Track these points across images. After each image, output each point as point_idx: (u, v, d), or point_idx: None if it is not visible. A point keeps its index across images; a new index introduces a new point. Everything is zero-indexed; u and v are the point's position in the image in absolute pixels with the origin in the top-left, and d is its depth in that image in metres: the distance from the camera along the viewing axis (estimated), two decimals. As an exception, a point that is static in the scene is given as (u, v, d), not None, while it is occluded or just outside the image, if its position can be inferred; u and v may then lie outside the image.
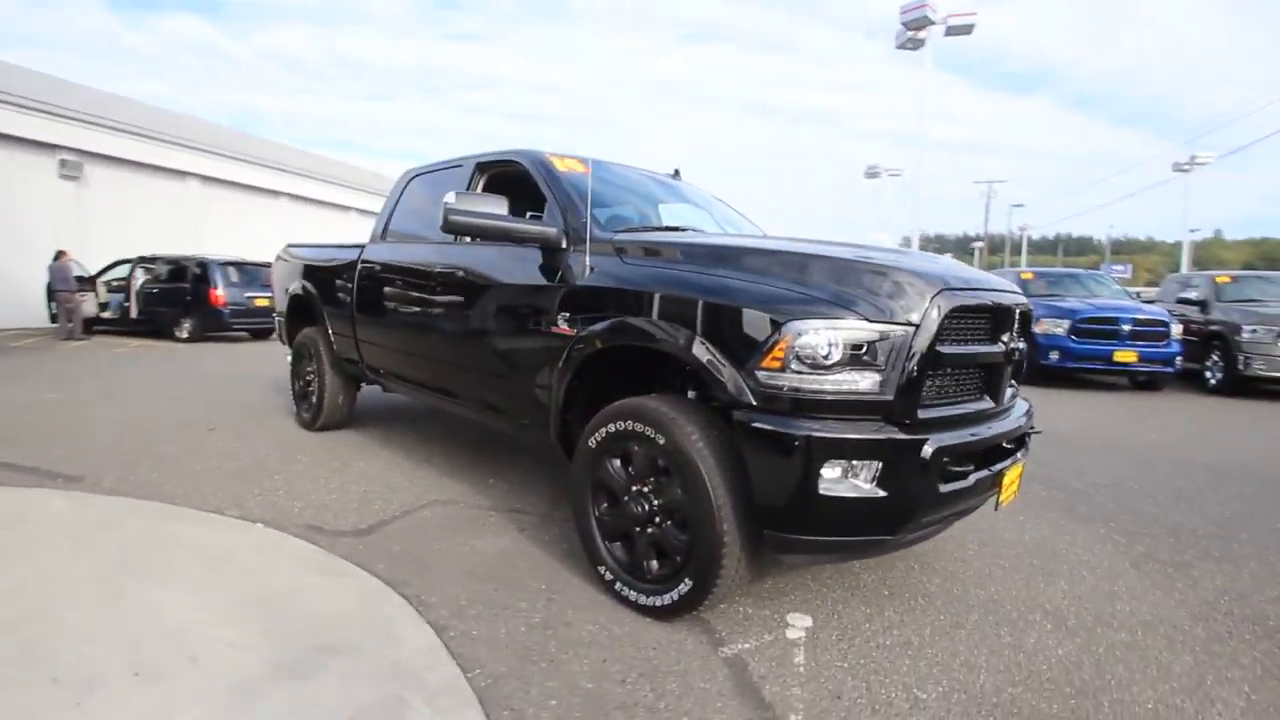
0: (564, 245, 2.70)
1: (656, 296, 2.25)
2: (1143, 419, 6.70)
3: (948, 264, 2.40)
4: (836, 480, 1.89)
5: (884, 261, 2.09)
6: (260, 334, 13.29)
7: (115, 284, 13.21)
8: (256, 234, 19.00)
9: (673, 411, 2.19)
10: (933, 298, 1.98)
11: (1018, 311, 2.38)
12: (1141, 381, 8.82)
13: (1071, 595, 2.65)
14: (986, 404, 2.28)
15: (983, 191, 52.83)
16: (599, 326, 2.39)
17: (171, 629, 2.10)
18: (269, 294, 12.96)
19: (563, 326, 2.57)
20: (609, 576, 2.41)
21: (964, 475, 2.05)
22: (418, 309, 3.52)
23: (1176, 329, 8.40)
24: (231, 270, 12.54)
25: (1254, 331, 8.21)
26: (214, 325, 12.17)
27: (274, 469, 3.94)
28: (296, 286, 5.06)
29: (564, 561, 2.77)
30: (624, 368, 2.60)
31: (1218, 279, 9.50)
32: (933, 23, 17.20)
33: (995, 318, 2.25)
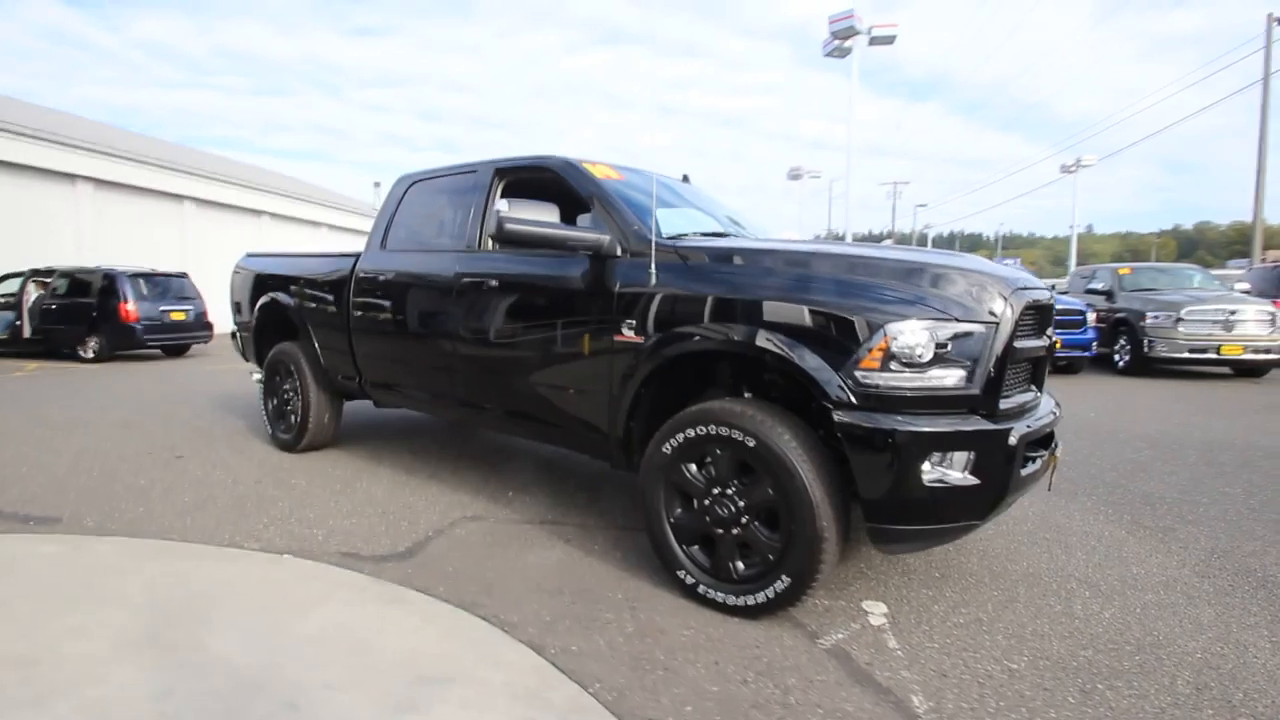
0: (618, 253, 2.70)
1: (743, 303, 2.29)
2: (1074, 399, 7.37)
3: (999, 265, 2.59)
4: (937, 471, 2.01)
5: (963, 265, 2.23)
6: (175, 351, 12.26)
7: (2, 300, 11.80)
8: (160, 242, 17.48)
9: (760, 414, 2.25)
10: (1008, 297, 2.14)
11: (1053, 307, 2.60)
12: (1061, 366, 9.69)
13: (1092, 563, 2.91)
14: (1033, 394, 2.48)
15: (889, 192, 56.09)
16: (681, 332, 2.41)
17: (250, 677, 1.94)
18: (185, 307, 12.06)
19: (628, 334, 2.57)
20: (690, 580, 2.44)
21: (1035, 459, 2.23)
22: (440, 320, 3.39)
23: (1091, 317, 9.30)
24: (142, 282, 11.49)
25: (1156, 318, 9.22)
26: (125, 343, 11.10)
27: (272, 496, 3.68)
28: (268, 299, 4.74)
29: (628, 570, 2.76)
30: (684, 375, 2.64)
31: (1120, 271, 10.58)
32: (859, 33, 18.21)
33: (1042, 314, 2.45)
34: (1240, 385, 8.98)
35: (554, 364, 2.93)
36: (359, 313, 3.90)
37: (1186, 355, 9.03)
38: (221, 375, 9.30)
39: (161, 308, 11.50)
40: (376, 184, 32.55)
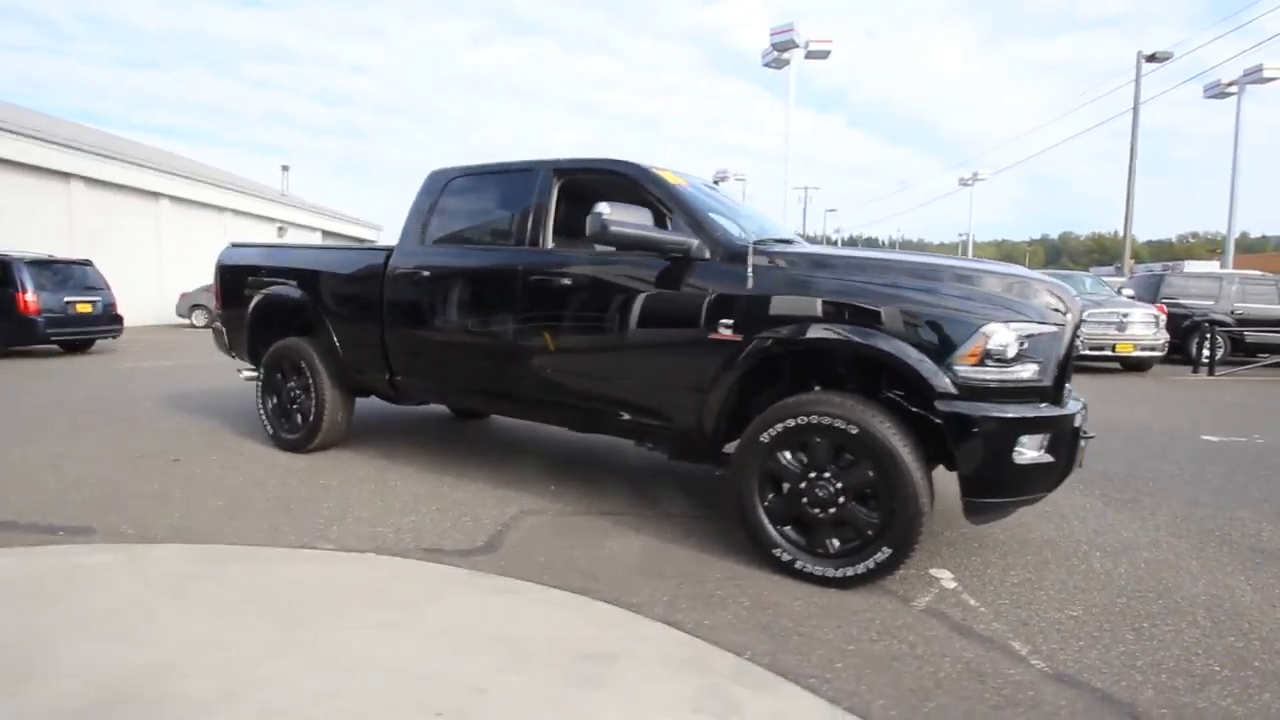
0: (706, 256, 2.88)
1: (848, 306, 2.54)
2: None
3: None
4: (1027, 451, 2.35)
5: (1033, 275, 2.59)
6: (77, 347, 11.09)
7: None
8: (43, 226, 15.64)
9: (860, 405, 2.51)
10: (1071, 303, 2.52)
11: None
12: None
13: (1090, 530, 3.40)
14: (1070, 385, 2.89)
15: (800, 197, 58.81)
16: (790, 331, 2.62)
17: (414, 670, 1.98)
18: (92, 298, 10.93)
19: (724, 333, 2.76)
20: (786, 558, 2.67)
21: (1088, 438, 2.63)
22: (501, 316, 3.41)
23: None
24: (42, 270, 10.31)
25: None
26: (24, 338, 9.93)
27: (309, 496, 3.57)
28: (270, 292, 4.52)
29: (712, 553, 2.95)
30: (775, 370, 2.86)
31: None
32: (797, 46, 19.17)
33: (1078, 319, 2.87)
34: (1131, 378, 10.35)
35: (634, 360, 3.07)
36: (396, 308, 3.84)
37: (1086, 353, 10.27)
38: (148, 373, 8.57)
39: (65, 299, 10.38)
40: (285, 167, 30.46)
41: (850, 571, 2.55)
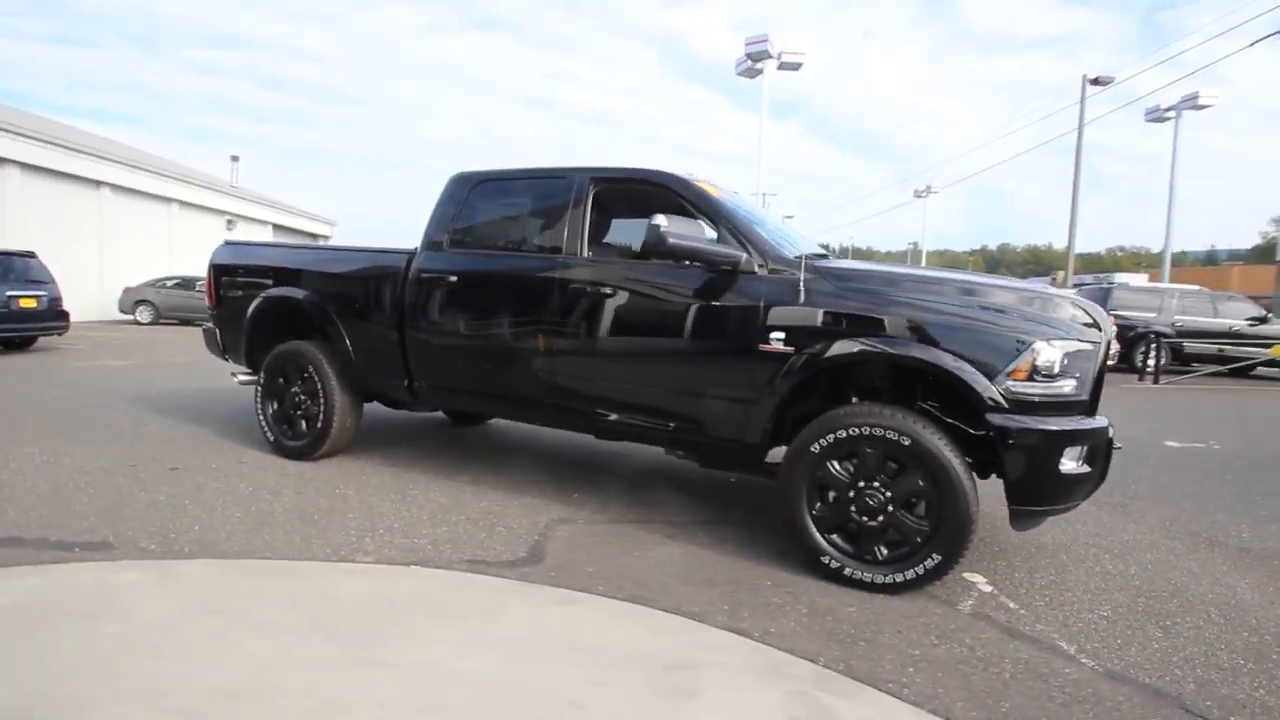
0: (755, 269, 2.94)
1: (908, 320, 2.64)
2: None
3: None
4: (1070, 462, 2.49)
5: (1071, 295, 2.74)
6: (19, 344, 10.38)
7: None
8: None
9: (910, 417, 2.61)
10: (1104, 323, 2.68)
11: None
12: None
13: (1094, 533, 3.61)
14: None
15: (759, 202, 59.86)
16: (846, 345, 2.69)
17: (507, 683, 1.96)
18: (37, 293, 10.24)
19: (775, 345, 2.82)
20: (835, 565, 2.74)
21: (1117, 449, 2.80)
22: (538, 324, 3.38)
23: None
24: (-21, 262, 9.61)
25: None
26: (-39, 334, 9.23)
27: (330, 507, 3.46)
28: (274, 294, 4.35)
29: (755, 560, 3.01)
30: (814, 383, 2.93)
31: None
32: (770, 57, 19.61)
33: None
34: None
35: (680, 370, 3.10)
36: (420, 312, 3.76)
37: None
38: (107, 374, 8.10)
39: (8, 293, 9.70)
40: (235, 158, 29.20)
41: (899, 577, 2.64)
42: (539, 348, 3.42)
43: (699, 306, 3.02)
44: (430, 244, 3.82)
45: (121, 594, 2.35)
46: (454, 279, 3.66)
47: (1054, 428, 2.48)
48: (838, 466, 2.74)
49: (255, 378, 4.63)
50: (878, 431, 2.62)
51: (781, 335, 2.81)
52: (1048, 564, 3.15)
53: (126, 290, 18.24)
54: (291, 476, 3.96)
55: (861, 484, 2.69)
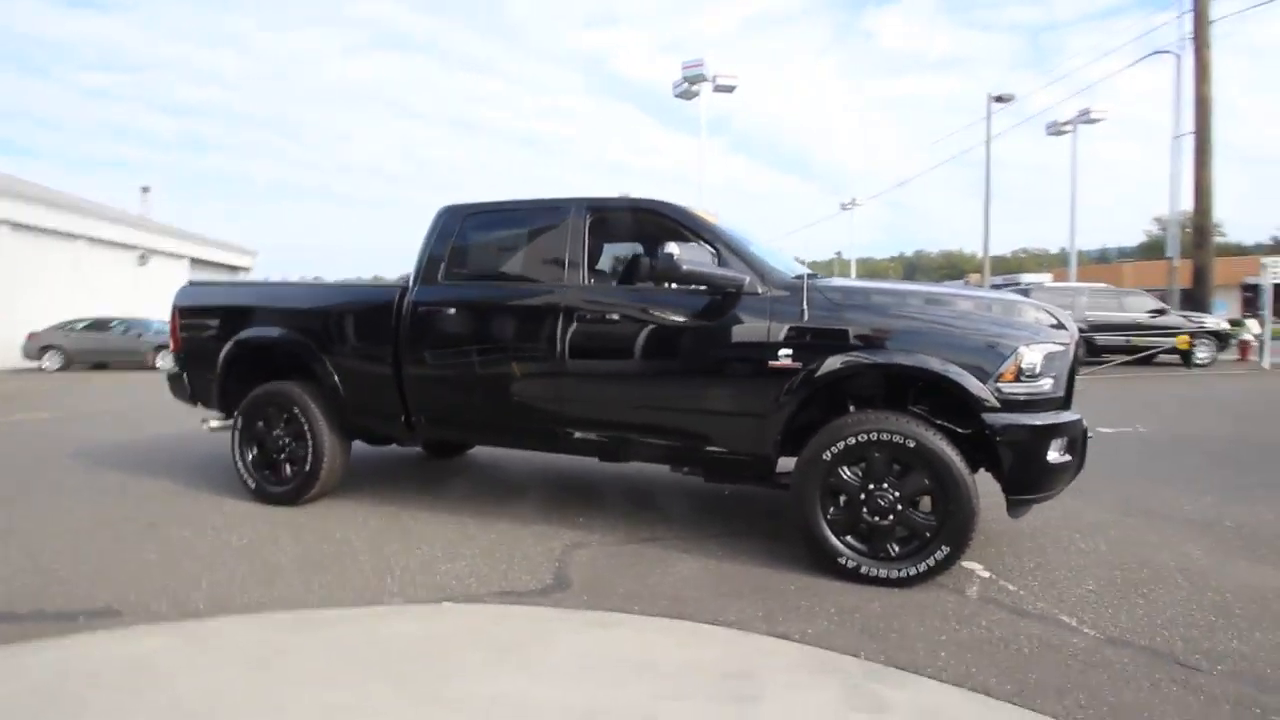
0: (758, 290, 3.12)
1: (903, 333, 2.86)
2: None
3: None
4: (1055, 453, 2.77)
5: (1039, 303, 3.05)
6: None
7: None
8: None
9: (912, 420, 2.84)
10: (1070, 324, 2.99)
11: None
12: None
13: (1061, 515, 3.95)
14: None
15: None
16: (852, 357, 2.89)
17: (581, 707, 2.01)
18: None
19: (784, 361, 3.00)
20: (851, 564, 2.92)
21: (1090, 438, 3.11)
22: (547, 352, 3.43)
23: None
24: None
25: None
26: None
27: (336, 551, 3.39)
28: (251, 334, 4.22)
29: (772, 567, 3.15)
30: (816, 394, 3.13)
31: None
32: (706, 79, 20.32)
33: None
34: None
35: (692, 389, 3.23)
36: (418, 345, 3.74)
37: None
38: (37, 428, 7.50)
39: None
40: (145, 189, 27.52)
41: (912, 570, 2.85)
42: (551, 376, 3.47)
43: (709, 328, 3.17)
44: (425, 276, 3.82)
45: (155, 660, 2.25)
46: (452, 310, 3.68)
47: (1040, 423, 2.76)
48: (848, 471, 2.93)
49: (230, 422, 4.46)
50: (884, 436, 2.83)
51: (789, 351, 3.00)
52: (1030, 547, 3.44)
53: (30, 336, 16.85)
54: (284, 524, 3.82)
55: (871, 486, 2.89)
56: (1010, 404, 2.77)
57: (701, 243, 3.30)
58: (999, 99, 22.64)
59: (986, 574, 3.08)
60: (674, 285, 3.18)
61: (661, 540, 3.56)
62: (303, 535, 3.64)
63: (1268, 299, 13.99)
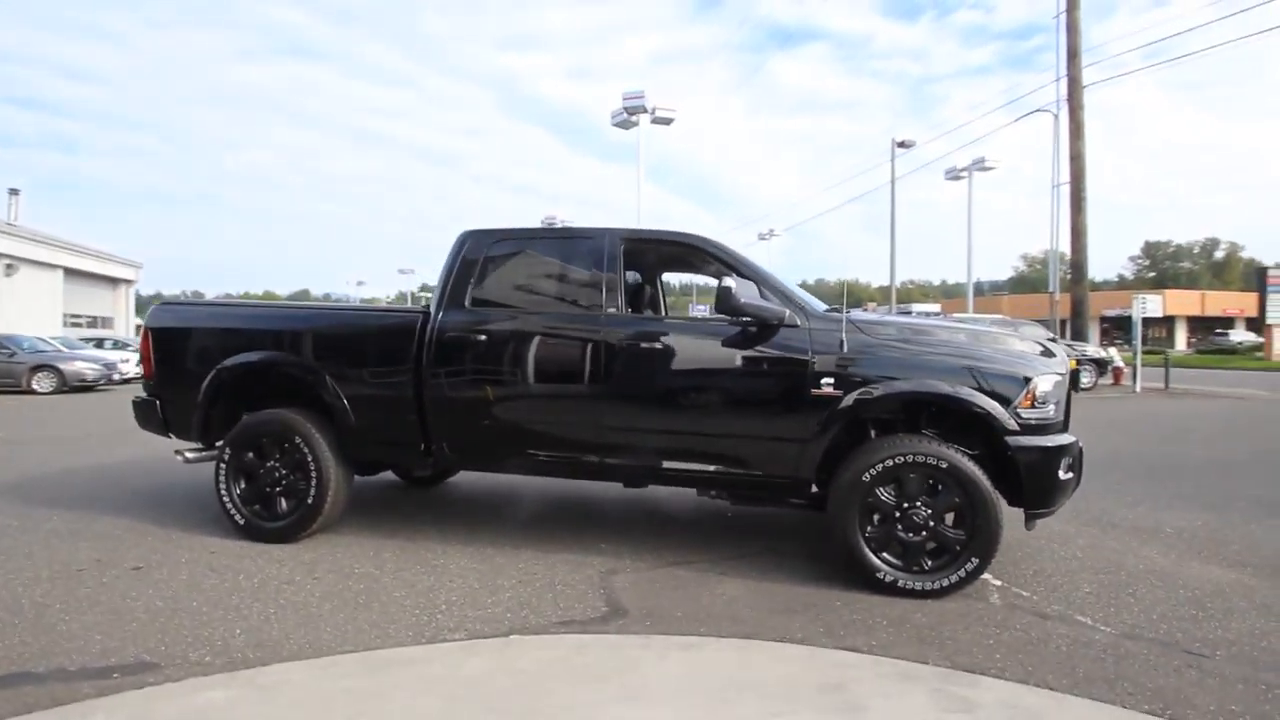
0: (797, 323, 3.33)
1: (936, 365, 3.15)
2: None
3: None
4: (1064, 471, 3.13)
5: (1042, 338, 3.44)
6: None
7: None
8: None
9: (943, 443, 3.12)
10: (1063, 355, 3.40)
11: None
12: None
13: (1041, 526, 4.35)
14: None
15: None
16: (890, 386, 3.14)
17: (697, 727, 2.07)
18: None
19: (826, 389, 3.21)
20: (889, 579, 3.15)
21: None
22: (587, 381, 3.47)
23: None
24: None
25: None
26: None
27: (366, 589, 3.23)
28: (253, 359, 3.95)
29: (812, 584, 3.32)
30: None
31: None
32: (645, 110, 20.88)
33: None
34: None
35: (734, 416, 3.37)
36: (445, 373, 3.65)
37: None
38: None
39: None
40: (14, 191, 24.55)
41: (945, 582, 3.11)
42: (585, 402, 3.51)
43: (754, 359, 3.34)
44: (450, 301, 3.75)
45: (229, 714, 2.09)
46: (484, 336, 3.63)
47: (1051, 444, 3.13)
48: (884, 492, 3.17)
49: (210, 454, 4.13)
50: (919, 458, 3.10)
51: (831, 380, 3.22)
52: (1019, 557, 3.82)
53: None
54: (290, 562, 3.59)
55: (905, 505, 3.14)
56: (1027, 428, 3.12)
57: (738, 277, 3.48)
58: (901, 144, 24.78)
59: (998, 582, 3.40)
60: (726, 317, 3.32)
61: (692, 564, 3.65)
62: (318, 572, 3.44)
63: (1138, 329, 16.04)
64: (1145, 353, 16.88)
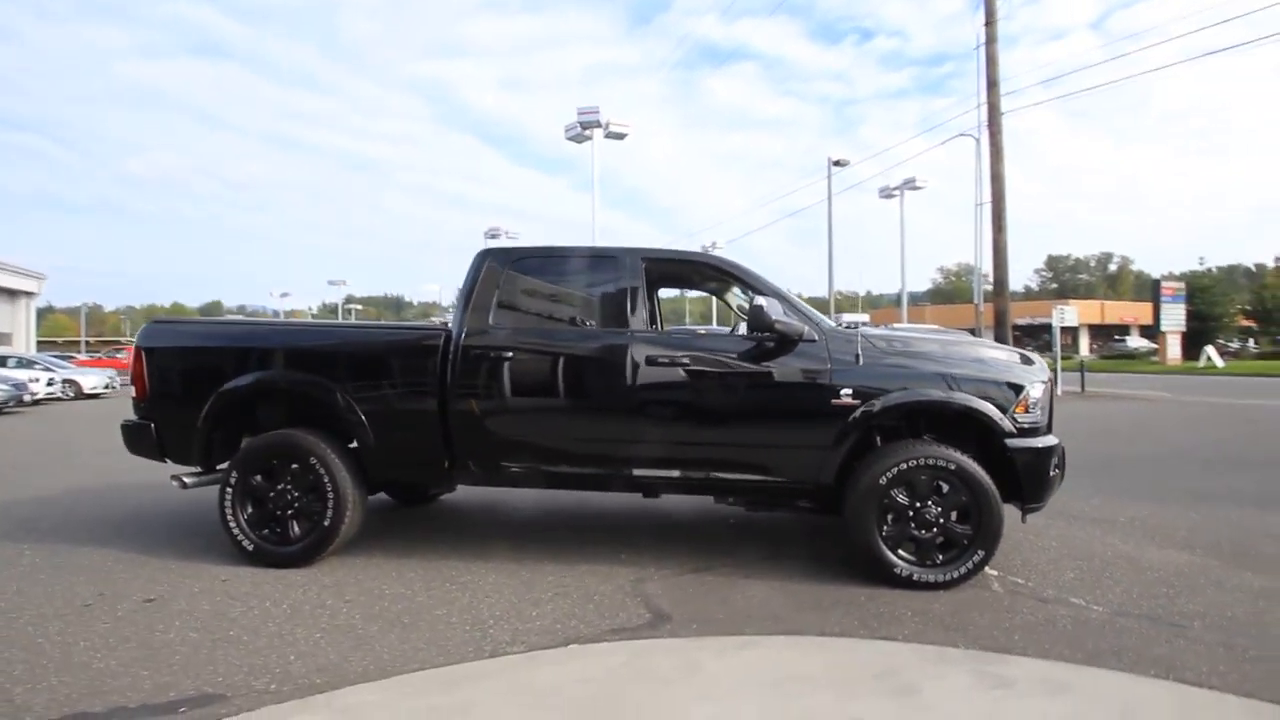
0: (815, 338, 3.57)
1: (939, 375, 3.45)
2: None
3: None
4: (1054, 469, 3.50)
5: (1027, 351, 3.82)
6: None
7: None
8: None
9: (947, 446, 3.43)
10: (1044, 364, 3.79)
11: None
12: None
13: (1012, 519, 4.81)
14: None
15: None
16: (903, 395, 3.42)
17: (818, 715, 2.23)
18: None
19: (845, 399, 3.46)
20: (905, 573, 3.41)
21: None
22: (617, 396, 3.59)
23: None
24: None
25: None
26: None
27: (406, 609, 3.23)
28: (262, 378, 3.86)
29: (835, 582, 3.55)
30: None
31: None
32: (599, 125, 21.07)
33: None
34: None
35: (760, 427, 3.58)
36: (471, 390, 3.68)
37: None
38: None
39: None
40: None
41: (955, 574, 3.40)
42: (614, 417, 3.63)
43: (778, 372, 3.56)
44: (473, 318, 3.79)
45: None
46: (510, 353, 3.69)
47: (1042, 445, 3.48)
48: (898, 493, 3.44)
49: (210, 478, 3.99)
50: (931, 460, 3.39)
51: (849, 390, 3.47)
52: (1005, 549, 4.16)
53: None
54: (311, 586, 3.51)
55: (918, 504, 3.42)
56: (1021, 430, 3.46)
57: (758, 295, 3.70)
58: (837, 163, 26.09)
59: (995, 572, 3.73)
60: (746, 334, 3.53)
61: (715, 568, 3.82)
62: (347, 595, 3.39)
63: (1057, 336, 17.46)
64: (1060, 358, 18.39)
